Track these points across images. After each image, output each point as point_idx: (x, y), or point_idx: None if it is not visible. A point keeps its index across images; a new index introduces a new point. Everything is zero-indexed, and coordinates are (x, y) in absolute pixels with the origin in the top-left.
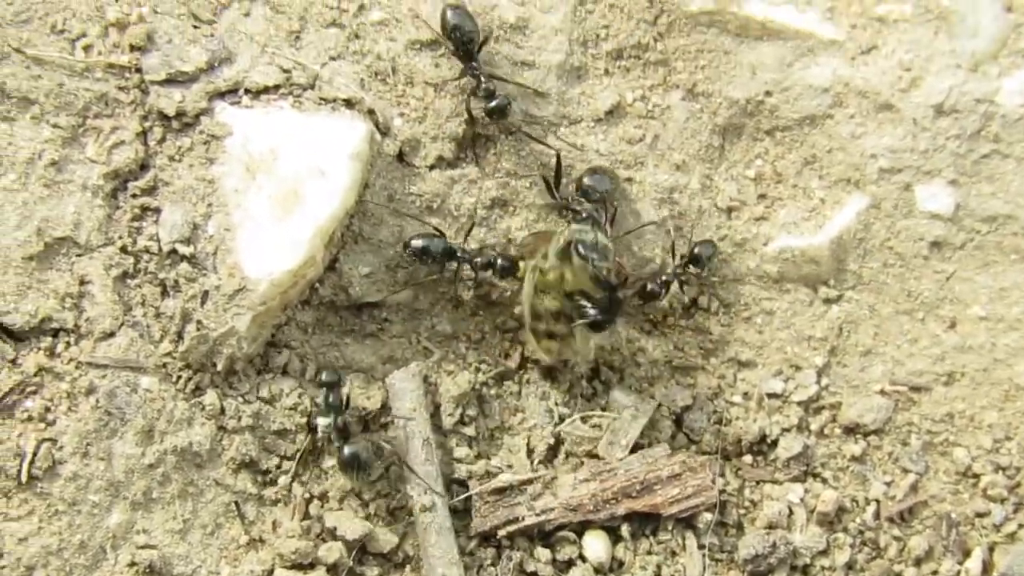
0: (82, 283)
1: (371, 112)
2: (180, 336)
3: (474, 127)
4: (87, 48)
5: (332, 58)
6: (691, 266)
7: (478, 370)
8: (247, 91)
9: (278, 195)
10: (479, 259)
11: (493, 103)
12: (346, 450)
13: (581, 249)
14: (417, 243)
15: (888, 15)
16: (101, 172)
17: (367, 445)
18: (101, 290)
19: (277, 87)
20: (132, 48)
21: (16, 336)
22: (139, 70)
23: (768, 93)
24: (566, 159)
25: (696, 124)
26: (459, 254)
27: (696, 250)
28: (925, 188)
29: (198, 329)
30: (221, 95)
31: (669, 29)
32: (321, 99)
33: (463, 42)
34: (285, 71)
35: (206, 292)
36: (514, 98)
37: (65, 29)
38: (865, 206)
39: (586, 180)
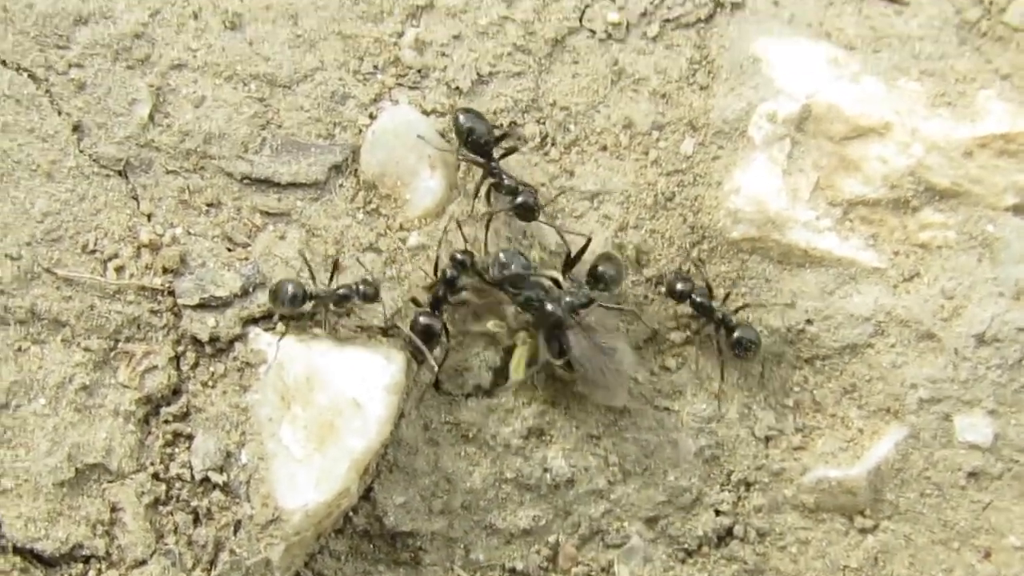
0: (113, 510)
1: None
2: (213, 564)
3: (489, 224)
4: (119, 269)
5: None
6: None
7: None
8: (282, 317)
9: (313, 426)
10: None
11: (520, 199)
12: None
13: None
14: None
15: (931, 242)
16: (133, 397)
17: None
18: (133, 517)
19: (312, 314)
20: (165, 271)
21: (47, 562)
22: (172, 293)
23: (809, 321)
24: None
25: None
26: None
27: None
28: (964, 418)
29: (231, 558)
30: (255, 321)
31: (710, 255)
32: (357, 327)
33: (479, 143)
34: None
35: (239, 521)
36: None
37: (96, 249)
38: (904, 436)
39: (600, 267)
